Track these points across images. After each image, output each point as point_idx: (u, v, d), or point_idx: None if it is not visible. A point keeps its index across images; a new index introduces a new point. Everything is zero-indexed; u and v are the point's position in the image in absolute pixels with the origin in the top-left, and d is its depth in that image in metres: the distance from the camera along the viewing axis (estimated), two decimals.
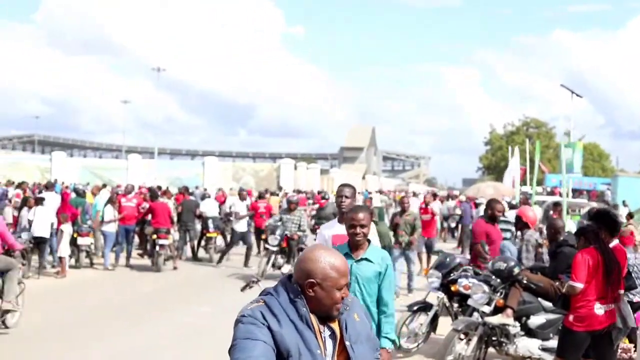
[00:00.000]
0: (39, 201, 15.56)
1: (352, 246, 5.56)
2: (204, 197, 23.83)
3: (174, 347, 9.73)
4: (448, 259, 10.09)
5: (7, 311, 10.08)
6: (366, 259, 5.52)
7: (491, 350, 8.70)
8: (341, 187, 6.82)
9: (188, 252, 19.93)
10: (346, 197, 6.69)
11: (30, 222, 15.01)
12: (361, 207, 5.83)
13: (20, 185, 25.59)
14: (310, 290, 3.16)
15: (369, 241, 5.66)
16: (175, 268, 17.39)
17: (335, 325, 3.23)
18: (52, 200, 16.79)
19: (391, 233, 14.28)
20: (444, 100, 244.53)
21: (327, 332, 3.20)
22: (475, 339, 8.37)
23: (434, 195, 21.62)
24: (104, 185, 33.03)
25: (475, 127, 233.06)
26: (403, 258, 14.56)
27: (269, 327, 3.06)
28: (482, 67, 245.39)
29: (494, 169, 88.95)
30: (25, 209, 15.82)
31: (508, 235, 18.54)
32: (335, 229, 6.54)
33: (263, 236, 18.36)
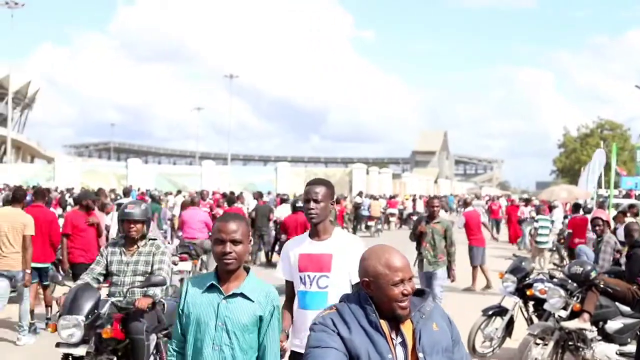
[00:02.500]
0: (118, 207, 15.88)
1: (221, 274, 3.71)
2: (282, 201, 23.99)
3: None
4: (523, 263, 9.98)
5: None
6: (242, 295, 3.66)
7: (568, 355, 8.59)
8: (310, 185, 4.79)
9: (262, 257, 20.18)
10: (316, 200, 4.70)
11: (107, 228, 15.34)
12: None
13: (97, 192, 26.20)
14: (369, 291, 3.15)
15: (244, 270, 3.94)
16: None
17: (408, 333, 3.15)
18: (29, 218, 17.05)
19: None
20: (517, 102, 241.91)
21: (398, 340, 3.13)
22: (551, 344, 8.27)
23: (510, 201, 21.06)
24: (179, 192, 33.62)
25: (549, 129, 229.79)
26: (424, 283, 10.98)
27: (339, 334, 3.08)
28: (556, 69, 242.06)
29: (568, 171, 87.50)
30: (102, 214, 16.17)
31: (547, 231, 18.91)
32: (304, 246, 4.75)
33: None
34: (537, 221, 18.99)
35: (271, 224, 20.18)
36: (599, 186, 28.76)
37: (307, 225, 17.63)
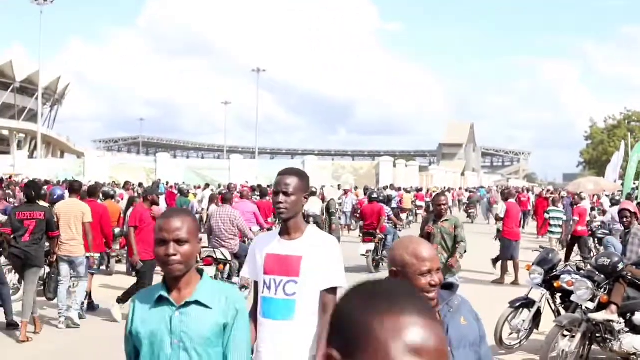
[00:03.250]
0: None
1: (169, 282, 3.15)
2: (312, 194, 24.11)
3: None
4: (550, 255, 9.96)
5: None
6: (197, 303, 3.11)
7: (595, 347, 8.59)
8: (280, 176, 4.11)
9: None
10: (286, 193, 4.02)
11: None
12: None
13: (125, 186, 26.45)
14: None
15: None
16: None
17: None
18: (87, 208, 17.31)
19: None
20: (544, 93, 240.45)
21: None
22: (578, 336, 8.27)
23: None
24: (207, 185, 33.78)
25: (576, 120, 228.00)
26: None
27: None
28: (583, 60, 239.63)
29: (595, 163, 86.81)
30: (131, 208, 16.32)
31: (559, 222, 19.12)
32: (273, 245, 4.10)
33: None
34: (549, 212, 19.31)
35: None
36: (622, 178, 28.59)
37: (381, 213, 17.75)
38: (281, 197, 3.99)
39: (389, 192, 33.77)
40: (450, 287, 3.30)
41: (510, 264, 15.68)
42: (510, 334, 9.60)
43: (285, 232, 4.10)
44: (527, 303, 9.70)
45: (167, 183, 36.59)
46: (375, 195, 18.72)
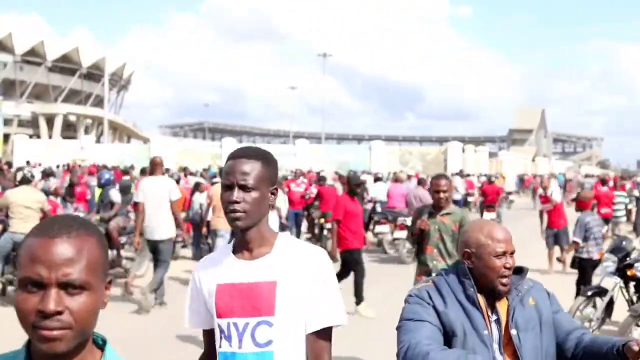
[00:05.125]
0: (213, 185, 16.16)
1: None
2: (377, 179, 24.04)
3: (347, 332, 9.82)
4: (624, 242, 9.72)
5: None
6: None
7: None
8: (233, 160, 2.59)
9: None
10: (244, 187, 2.53)
11: (201, 206, 15.58)
12: None
13: (183, 171, 26.83)
14: (469, 262, 3.09)
15: None
16: None
17: (502, 311, 3.06)
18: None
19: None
20: (618, 78, 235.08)
21: (493, 317, 3.04)
22: None
23: (603, 182, 20.37)
24: None
25: None
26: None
27: (434, 307, 3.03)
28: None
29: None
30: (197, 193, 16.43)
31: (622, 207, 19.33)
32: (227, 269, 2.62)
33: None
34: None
35: None
36: None
37: (500, 192, 21.52)
38: (235, 194, 2.51)
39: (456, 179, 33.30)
40: (519, 272, 3.20)
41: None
42: (582, 323, 9.40)
43: (243, 248, 2.61)
44: (600, 292, 9.50)
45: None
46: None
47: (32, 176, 17.62)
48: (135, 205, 11.08)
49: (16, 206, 10.51)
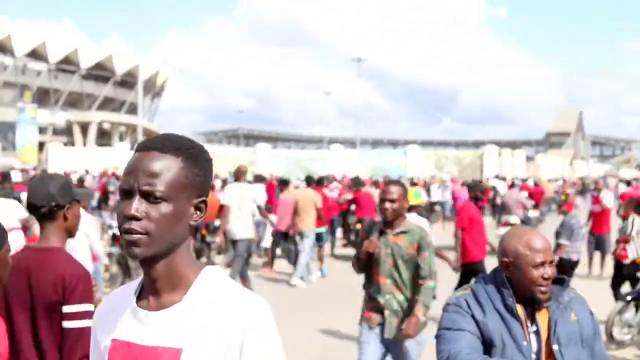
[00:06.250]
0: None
1: None
2: (413, 184, 23.98)
3: None
4: None
5: None
6: None
7: None
8: (140, 151, 1.79)
9: None
10: (149, 194, 1.72)
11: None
12: None
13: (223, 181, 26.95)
14: (507, 272, 3.02)
15: None
16: None
17: (543, 323, 2.99)
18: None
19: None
20: None
21: (532, 328, 3.00)
22: None
23: (628, 183, 19.99)
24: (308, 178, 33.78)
25: None
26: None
27: (473, 316, 2.97)
28: None
29: None
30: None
31: None
32: (125, 320, 1.83)
33: None
34: None
35: None
36: None
37: (543, 192, 23.72)
38: (135, 205, 1.72)
39: (494, 183, 32.94)
40: (561, 282, 3.11)
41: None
42: (622, 328, 9.27)
43: (148, 290, 1.83)
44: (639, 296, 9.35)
45: (271, 175, 36.81)
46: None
47: None
48: (221, 208, 12.17)
49: None
